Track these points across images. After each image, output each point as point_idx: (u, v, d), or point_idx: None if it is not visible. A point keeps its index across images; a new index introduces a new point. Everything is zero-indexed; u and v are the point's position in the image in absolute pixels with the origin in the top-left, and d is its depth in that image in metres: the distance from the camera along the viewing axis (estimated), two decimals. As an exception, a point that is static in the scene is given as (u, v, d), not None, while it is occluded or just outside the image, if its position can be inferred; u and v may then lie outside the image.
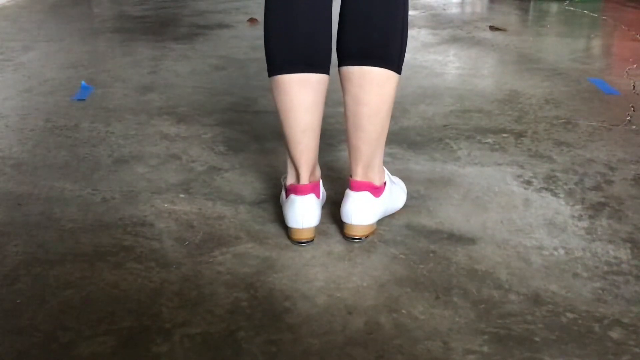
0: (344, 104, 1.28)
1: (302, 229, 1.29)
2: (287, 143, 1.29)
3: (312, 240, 1.31)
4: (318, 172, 1.37)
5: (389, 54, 1.23)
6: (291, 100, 1.24)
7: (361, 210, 1.28)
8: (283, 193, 1.39)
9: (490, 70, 2.60)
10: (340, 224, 1.34)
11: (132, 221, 1.41)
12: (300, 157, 1.29)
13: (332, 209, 1.45)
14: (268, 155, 1.76)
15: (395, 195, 1.41)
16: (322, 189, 1.41)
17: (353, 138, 1.28)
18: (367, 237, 1.32)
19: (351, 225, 1.29)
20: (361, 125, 1.25)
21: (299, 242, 1.31)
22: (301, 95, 1.24)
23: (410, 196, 1.51)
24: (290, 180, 1.34)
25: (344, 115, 1.29)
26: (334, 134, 1.90)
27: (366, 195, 1.29)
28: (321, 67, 1.25)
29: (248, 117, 2.06)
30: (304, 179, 1.30)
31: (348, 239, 1.31)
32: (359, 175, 1.29)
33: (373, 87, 1.23)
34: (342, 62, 1.25)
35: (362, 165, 1.29)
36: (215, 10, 3.99)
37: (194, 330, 1.06)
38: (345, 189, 1.33)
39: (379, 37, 1.22)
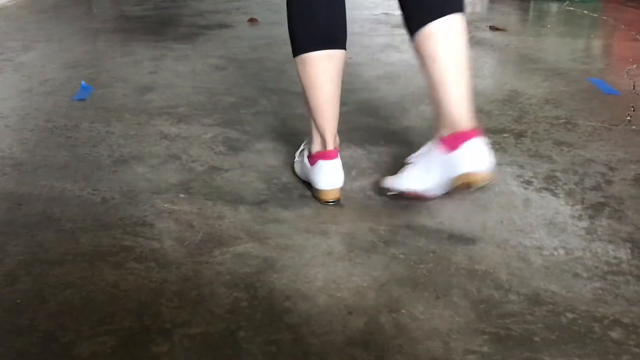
0: (432, 68, 1.36)
1: (331, 190, 1.46)
2: (314, 114, 1.45)
3: (338, 200, 1.47)
4: (338, 140, 1.51)
5: (457, 2, 1.37)
6: (317, 74, 1.41)
7: (485, 154, 1.33)
8: (306, 160, 1.52)
9: (490, 70, 2.60)
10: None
11: (132, 221, 1.41)
12: (326, 125, 1.44)
13: (332, 209, 1.45)
14: (268, 155, 1.76)
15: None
16: None
17: (459, 87, 1.35)
18: (492, 181, 1.39)
19: (477, 174, 1.32)
20: (463, 69, 1.36)
21: (327, 202, 1.47)
22: (325, 69, 1.40)
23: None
24: (316, 148, 1.49)
25: (436, 79, 1.36)
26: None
27: (484, 141, 1.35)
28: (340, 44, 1.42)
29: (248, 117, 2.06)
30: (330, 145, 1.46)
31: (474, 187, 1.35)
32: (470, 121, 1.35)
33: (462, 32, 1.36)
34: (421, 24, 1.36)
35: (470, 110, 1.36)
36: (215, 10, 3.99)
37: (194, 330, 1.06)
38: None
39: None
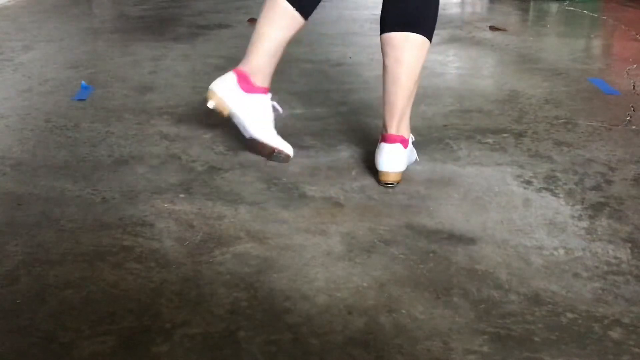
0: (384, 67, 1.56)
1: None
2: (252, 38, 1.63)
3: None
4: (269, 81, 1.66)
5: (425, 24, 1.55)
6: (274, 17, 1.60)
7: (394, 159, 1.54)
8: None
9: (490, 70, 2.60)
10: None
11: (132, 221, 1.41)
12: (251, 57, 1.63)
13: (332, 209, 1.45)
14: (268, 155, 1.76)
15: (411, 148, 1.64)
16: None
17: (391, 95, 1.56)
18: (398, 183, 1.55)
19: (387, 172, 1.54)
20: (400, 82, 1.54)
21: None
22: (282, 21, 1.60)
23: (410, 196, 1.51)
24: (243, 67, 1.65)
25: (383, 77, 1.57)
26: (333, 134, 1.90)
27: (398, 146, 1.55)
28: (304, 10, 1.59)
29: (248, 117, 2.05)
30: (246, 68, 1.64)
31: (382, 184, 1.56)
32: (393, 129, 1.56)
33: (412, 49, 1.54)
34: (385, 30, 1.56)
35: (396, 119, 1.56)
36: (215, 10, 3.99)
37: (194, 330, 1.06)
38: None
39: (417, 10, 1.55)
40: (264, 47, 1.62)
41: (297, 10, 1.58)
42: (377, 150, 1.57)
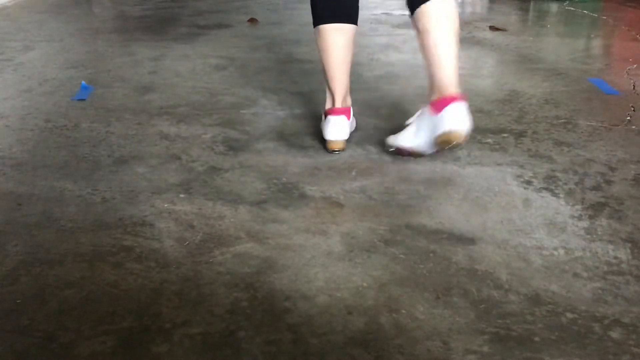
0: (426, 40, 1.59)
1: (336, 140, 1.74)
2: (326, 76, 1.74)
3: (343, 150, 1.75)
4: (349, 101, 1.80)
5: None
6: (329, 43, 1.70)
7: (464, 116, 1.54)
8: (323, 118, 1.79)
9: (490, 70, 2.60)
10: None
11: (132, 221, 1.41)
12: (335, 86, 1.74)
13: (332, 209, 1.45)
14: (268, 155, 1.76)
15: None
16: (352, 115, 1.82)
17: (446, 59, 1.58)
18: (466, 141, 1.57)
19: (455, 132, 1.52)
20: (449, 40, 1.58)
21: (332, 151, 1.75)
22: (336, 39, 1.70)
23: (410, 196, 1.51)
24: (328, 105, 1.78)
25: (428, 49, 1.59)
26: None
27: (465, 105, 1.55)
28: (351, 18, 1.71)
29: (248, 117, 2.06)
30: (338, 104, 1.75)
31: (455, 144, 1.55)
32: (454, 88, 1.57)
33: (451, 12, 1.60)
34: (418, 3, 1.59)
35: (455, 78, 1.58)
36: (215, 10, 3.99)
37: (194, 330, 1.06)
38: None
39: None
40: (339, 76, 1.73)
41: (345, 23, 1.69)
42: (443, 114, 1.54)
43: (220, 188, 1.57)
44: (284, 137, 1.88)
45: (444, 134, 1.53)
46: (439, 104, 1.56)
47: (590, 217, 1.41)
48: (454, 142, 1.54)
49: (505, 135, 1.88)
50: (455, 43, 1.60)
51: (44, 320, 1.09)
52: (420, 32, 1.61)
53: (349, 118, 1.77)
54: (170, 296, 1.15)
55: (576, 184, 1.57)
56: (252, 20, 3.62)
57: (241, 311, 1.11)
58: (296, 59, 2.70)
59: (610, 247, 1.30)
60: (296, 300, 1.14)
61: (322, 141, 1.78)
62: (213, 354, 1.01)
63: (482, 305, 1.12)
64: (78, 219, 1.43)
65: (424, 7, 1.59)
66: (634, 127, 1.93)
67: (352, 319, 1.09)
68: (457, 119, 1.53)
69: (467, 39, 3.12)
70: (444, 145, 1.55)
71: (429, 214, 1.43)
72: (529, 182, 1.58)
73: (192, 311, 1.11)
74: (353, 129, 1.86)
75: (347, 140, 1.78)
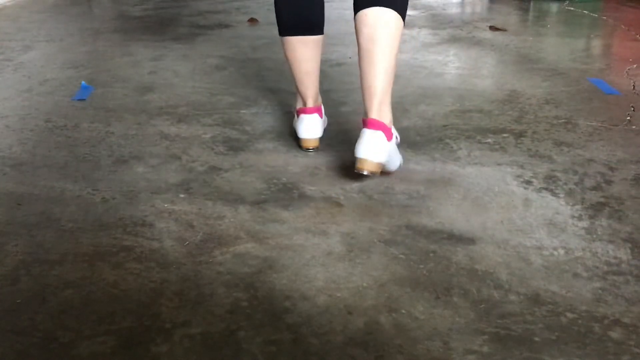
0: (358, 46, 1.52)
1: (309, 138, 1.74)
2: (296, 82, 1.74)
3: (317, 148, 1.76)
4: (319, 100, 1.79)
5: (395, 1, 1.50)
6: (295, 54, 1.70)
7: (375, 147, 1.46)
8: (295, 117, 1.79)
9: (490, 70, 2.60)
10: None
11: (132, 221, 1.41)
12: (305, 91, 1.74)
13: (332, 209, 1.45)
14: (268, 155, 1.76)
15: (394, 151, 1.57)
16: (323, 113, 1.81)
17: (368, 76, 1.50)
18: (373, 173, 1.47)
19: (364, 160, 1.46)
20: (375, 61, 1.49)
21: (307, 150, 1.76)
22: (302, 50, 1.69)
23: (410, 196, 1.51)
24: (299, 105, 1.77)
25: (359, 57, 1.52)
26: (333, 134, 1.89)
27: (380, 134, 1.47)
28: (315, 30, 1.68)
29: (248, 117, 2.06)
30: (310, 105, 1.75)
31: (358, 172, 1.48)
32: (374, 113, 1.49)
33: (386, 27, 1.49)
34: (358, 8, 1.52)
35: (376, 101, 1.49)
36: (215, 10, 3.99)
37: (194, 330, 1.06)
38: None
39: None
40: (308, 82, 1.73)
41: (309, 35, 1.67)
42: (360, 137, 1.49)
43: (220, 188, 1.57)
44: (284, 137, 1.88)
45: (357, 160, 1.47)
46: (362, 123, 1.51)
47: (590, 217, 1.41)
48: (365, 172, 1.46)
49: (505, 135, 1.88)
50: (387, 61, 1.49)
51: (44, 320, 1.09)
52: (357, 36, 1.53)
53: (321, 116, 1.77)
54: (170, 296, 1.15)
55: (576, 184, 1.57)
56: (252, 20, 3.62)
57: (241, 311, 1.11)
58: (296, 59, 2.70)
59: (610, 247, 1.30)
60: (296, 300, 1.14)
61: (296, 139, 1.79)
62: (213, 354, 1.01)
63: (482, 305, 1.12)
64: (78, 219, 1.43)
65: (361, 14, 1.50)
66: (634, 127, 1.93)
67: (352, 319, 1.09)
68: (367, 148, 1.46)
69: (467, 39, 3.12)
70: (358, 171, 1.48)
71: (429, 214, 1.43)
72: (529, 182, 1.58)
73: (192, 311, 1.11)
74: (325, 125, 1.86)
75: (348, 141, 1.78)
